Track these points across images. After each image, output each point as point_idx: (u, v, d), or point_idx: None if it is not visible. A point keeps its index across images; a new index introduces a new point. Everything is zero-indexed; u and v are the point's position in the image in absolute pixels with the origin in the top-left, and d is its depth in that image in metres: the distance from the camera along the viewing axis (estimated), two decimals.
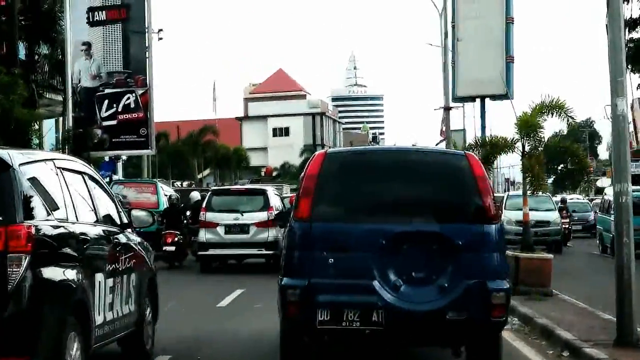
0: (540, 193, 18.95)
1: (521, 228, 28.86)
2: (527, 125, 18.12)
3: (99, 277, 8.09)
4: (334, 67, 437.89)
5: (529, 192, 18.57)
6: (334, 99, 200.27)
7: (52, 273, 6.89)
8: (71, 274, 7.19)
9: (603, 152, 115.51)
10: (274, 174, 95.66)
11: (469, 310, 8.17)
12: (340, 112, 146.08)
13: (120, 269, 8.84)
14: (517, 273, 16.42)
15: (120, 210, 9.64)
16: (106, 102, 35.96)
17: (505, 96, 39.31)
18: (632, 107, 51.27)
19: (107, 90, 36.08)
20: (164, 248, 24.54)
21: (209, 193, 24.94)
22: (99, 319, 8.02)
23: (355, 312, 8.13)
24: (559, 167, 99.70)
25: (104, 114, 35.95)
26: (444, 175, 8.81)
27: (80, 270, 7.40)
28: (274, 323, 9.52)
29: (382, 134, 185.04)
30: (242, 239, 22.66)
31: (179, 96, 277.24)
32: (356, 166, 8.93)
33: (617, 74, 10.77)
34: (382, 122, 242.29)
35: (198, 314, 14.49)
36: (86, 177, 8.73)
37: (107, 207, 9.20)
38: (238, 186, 29.91)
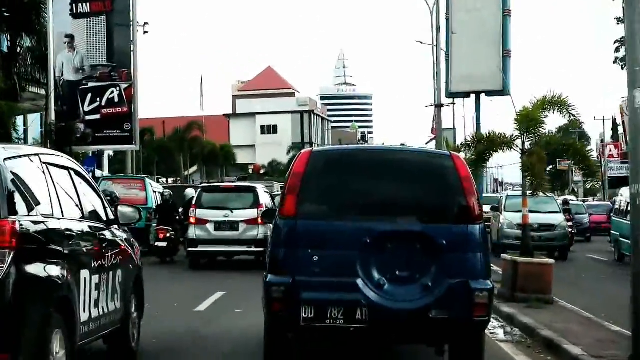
0: (540, 194, 17.94)
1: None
2: (528, 120, 17.20)
3: (85, 273, 8.02)
4: (322, 65, 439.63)
5: (528, 192, 17.63)
6: (323, 98, 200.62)
7: (37, 269, 6.82)
8: (56, 270, 7.13)
9: (592, 154, 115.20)
10: (262, 171, 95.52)
11: (452, 309, 8.23)
12: (329, 110, 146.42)
13: (105, 265, 8.79)
14: (516, 279, 15.77)
15: (107, 206, 9.58)
16: (89, 95, 35.29)
17: (502, 92, 37.66)
18: (621, 110, 50.49)
19: (90, 84, 35.40)
20: (156, 244, 24.82)
21: (199, 190, 24.93)
22: (84, 316, 7.98)
23: (339, 310, 8.18)
24: (548, 168, 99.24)
25: (87, 108, 35.28)
26: (429, 175, 8.87)
27: (66, 266, 7.34)
28: (256, 327, 9.36)
29: (370, 133, 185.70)
30: (231, 236, 22.76)
31: (166, 92, 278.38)
32: (342, 165, 8.98)
33: (635, 64, 9.82)
34: (371, 121, 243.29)
35: (173, 318, 13.79)
36: (72, 173, 8.67)
37: (93, 203, 9.16)
38: (228, 183, 29.15)
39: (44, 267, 6.97)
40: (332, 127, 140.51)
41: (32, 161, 7.62)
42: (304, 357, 10.09)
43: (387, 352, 10.66)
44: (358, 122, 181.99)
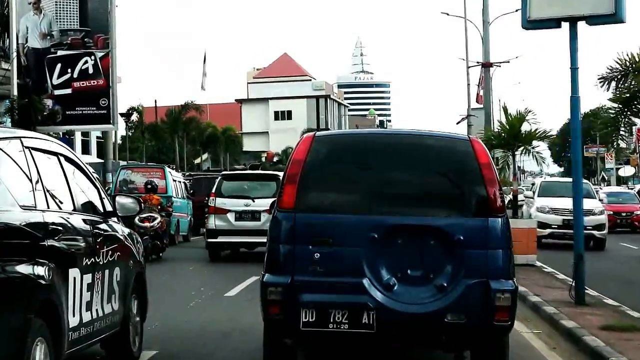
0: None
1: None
2: None
3: (74, 273, 7.35)
4: (339, 53, 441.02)
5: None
6: (340, 86, 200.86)
7: (13, 269, 6.14)
8: (38, 270, 6.47)
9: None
10: (275, 159, 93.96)
11: (470, 312, 7.70)
12: (345, 99, 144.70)
13: (100, 263, 8.14)
14: None
15: (104, 196, 8.97)
16: (59, 66, 31.09)
17: (613, 16, 30.82)
18: None
19: (60, 52, 31.24)
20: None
21: (219, 178, 24.31)
22: (73, 321, 7.29)
23: (343, 313, 7.71)
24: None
25: (56, 81, 31.16)
26: (444, 162, 8.23)
27: (50, 265, 6.68)
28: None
29: (389, 121, 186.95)
30: (253, 226, 21.95)
31: (178, 82, 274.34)
32: (347, 151, 8.47)
33: None
34: (389, 109, 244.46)
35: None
36: (62, 159, 7.98)
37: (87, 193, 8.52)
38: (249, 171, 27.91)
39: (23, 267, 6.26)
40: (349, 114, 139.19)
41: (11, 145, 6.89)
42: None
43: (400, 357, 10.04)
44: (376, 110, 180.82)
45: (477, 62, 28.98)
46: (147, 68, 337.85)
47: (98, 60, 31.03)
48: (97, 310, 8.00)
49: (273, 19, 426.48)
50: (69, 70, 30.97)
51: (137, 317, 9.50)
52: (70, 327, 7.16)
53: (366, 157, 8.28)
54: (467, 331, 7.78)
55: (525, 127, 23.36)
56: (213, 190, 23.09)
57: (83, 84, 31.03)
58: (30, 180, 6.96)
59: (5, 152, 6.73)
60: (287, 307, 7.76)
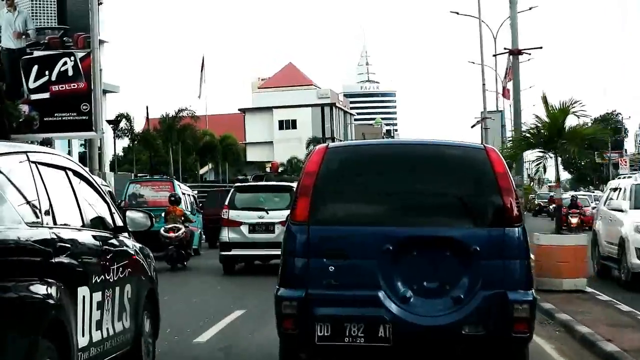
0: None
1: None
2: None
3: (83, 291, 7.18)
4: (345, 62, 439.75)
5: None
6: (346, 95, 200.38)
7: (19, 289, 5.96)
8: (44, 289, 6.27)
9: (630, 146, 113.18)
10: (280, 169, 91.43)
11: (488, 324, 7.65)
12: (351, 109, 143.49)
13: (111, 280, 7.97)
14: None
15: (114, 211, 8.82)
16: (35, 68, 28.11)
17: None
18: None
19: (36, 53, 28.26)
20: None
21: (232, 189, 24.15)
22: (83, 341, 7.14)
23: (359, 327, 7.68)
24: (583, 162, 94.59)
25: (33, 84, 28.13)
26: (459, 171, 8.20)
27: (58, 283, 6.50)
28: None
29: (396, 130, 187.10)
30: (267, 239, 21.72)
31: (181, 93, 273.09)
32: (360, 162, 8.42)
33: None
34: (395, 118, 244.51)
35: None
36: (70, 174, 7.82)
37: (96, 208, 8.37)
38: (263, 182, 27.53)
39: (30, 286, 6.09)
40: (356, 123, 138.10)
41: (16, 160, 6.76)
42: None
43: None
44: (382, 120, 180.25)
45: (505, 49, 25.93)
46: (147, 78, 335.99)
47: (78, 61, 27.82)
48: (107, 329, 7.87)
49: (278, 30, 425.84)
50: (47, 73, 28.01)
51: (149, 334, 9.35)
52: (79, 347, 7.02)
53: (380, 168, 8.24)
54: (485, 343, 7.73)
55: (569, 122, 18.98)
56: (226, 203, 22.95)
57: (62, 87, 28.11)
58: (37, 196, 6.79)
59: (11, 167, 6.57)
60: (302, 321, 7.73)
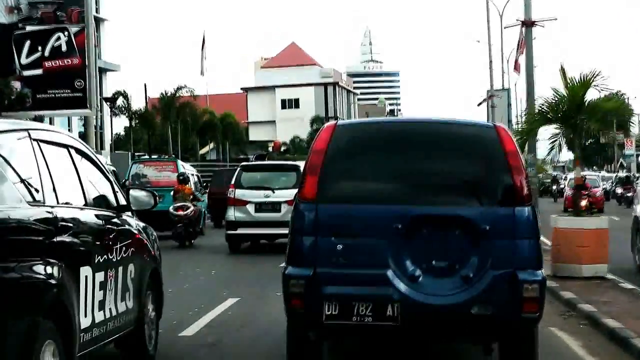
0: None
1: None
2: None
3: (86, 271, 7.11)
4: (348, 43, 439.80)
5: None
6: (349, 75, 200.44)
7: (21, 269, 5.90)
8: (46, 270, 6.21)
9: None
10: (283, 149, 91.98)
11: (497, 304, 7.59)
12: (355, 89, 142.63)
13: (114, 259, 7.91)
14: None
15: (118, 190, 8.73)
16: (28, 43, 27.01)
17: None
18: None
19: (29, 28, 27.23)
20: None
21: (238, 169, 24.07)
22: (85, 321, 7.07)
23: (367, 306, 7.60)
24: (588, 142, 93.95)
25: (25, 61, 27.10)
26: (469, 150, 8.13)
27: (60, 264, 6.42)
28: None
29: (399, 110, 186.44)
30: (273, 218, 21.90)
31: (178, 71, 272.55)
32: (370, 140, 8.37)
33: None
34: (399, 98, 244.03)
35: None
36: (73, 152, 7.74)
37: (99, 186, 8.29)
38: (269, 161, 29.33)
39: (31, 267, 6.02)
40: (359, 102, 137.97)
41: (17, 138, 6.70)
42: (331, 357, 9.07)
43: (426, 351, 9.76)
44: (386, 99, 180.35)
45: (517, 20, 24.76)
46: (148, 57, 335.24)
47: (72, 37, 26.83)
48: (110, 309, 7.82)
49: (281, 10, 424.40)
50: (40, 48, 26.93)
51: (153, 314, 9.29)
52: (81, 328, 6.96)
53: (389, 145, 8.18)
54: (494, 323, 7.69)
55: (589, 95, 17.61)
56: (232, 182, 23.05)
57: (55, 63, 27.03)
58: (39, 174, 6.72)
59: (12, 145, 6.52)
60: (310, 300, 7.68)
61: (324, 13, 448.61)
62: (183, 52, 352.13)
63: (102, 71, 68.43)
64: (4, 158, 6.27)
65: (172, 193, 25.04)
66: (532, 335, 8.12)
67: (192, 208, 24.51)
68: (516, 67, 30.65)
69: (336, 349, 9.41)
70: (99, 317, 7.49)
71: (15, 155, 6.46)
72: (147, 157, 42.58)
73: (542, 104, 17.56)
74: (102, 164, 8.62)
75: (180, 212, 24.21)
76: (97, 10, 71.72)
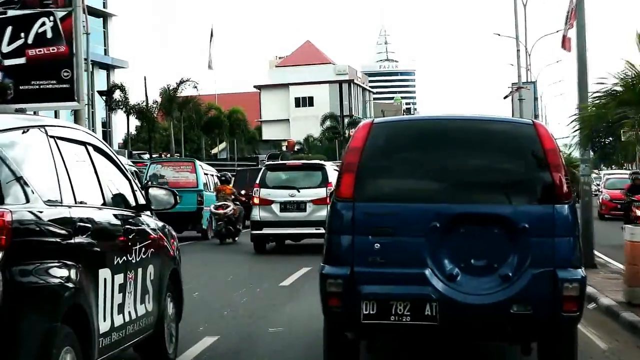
0: None
1: None
2: None
3: (104, 273, 7.00)
4: (363, 41, 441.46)
5: None
6: (364, 74, 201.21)
7: (38, 272, 5.75)
8: (64, 272, 6.08)
9: None
10: (296, 148, 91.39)
11: (537, 303, 7.58)
12: (370, 87, 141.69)
13: (133, 261, 7.80)
14: None
15: (137, 189, 8.58)
16: (9, 29, 24.72)
17: None
18: None
19: (10, 12, 24.88)
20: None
21: (263, 168, 24.39)
22: (104, 326, 6.95)
23: (405, 305, 7.63)
24: (608, 140, 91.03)
25: (6, 48, 24.83)
26: (507, 147, 8.13)
27: (78, 266, 6.30)
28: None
29: (415, 109, 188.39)
30: (298, 217, 22.16)
31: (191, 70, 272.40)
32: (406, 138, 8.38)
33: None
34: (414, 97, 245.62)
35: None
36: (91, 149, 7.62)
37: (118, 186, 8.16)
38: (294, 161, 29.35)
39: (48, 269, 5.87)
40: (374, 102, 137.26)
41: (34, 134, 6.57)
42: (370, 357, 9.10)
43: (463, 348, 9.75)
44: (402, 98, 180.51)
45: None
46: (157, 55, 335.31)
47: (58, 22, 24.70)
48: (129, 312, 7.67)
49: (295, 9, 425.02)
50: (22, 35, 24.81)
51: (173, 317, 9.12)
52: (100, 332, 6.82)
53: (426, 143, 8.18)
54: (533, 322, 7.64)
55: None
56: (257, 181, 23.15)
57: (40, 51, 24.90)
58: (56, 173, 6.57)
59: (27, 142, 6.40)
60: (347, 300, 7.67)
61: (339, 12, 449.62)
62: (195, 52, 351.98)
63: (110, 67, 66.71)
64: (20, 155, 6.13)
65: (214, 192, 26.93)
66: (571, 335, 8.08)
67: (232, 207, 25.85)
68: (564, 44, 26.79)
69: (372, 349, 9.25)
70: (118, 320, 7.33)
71: (31, 153, 6.36)
72: (145, 154, 41.47)
73: (616, 83, 14.22)
74: (120, 161, 8.50)
75: (221, 211, 25.70)
76: (104, 5, 69.94)
